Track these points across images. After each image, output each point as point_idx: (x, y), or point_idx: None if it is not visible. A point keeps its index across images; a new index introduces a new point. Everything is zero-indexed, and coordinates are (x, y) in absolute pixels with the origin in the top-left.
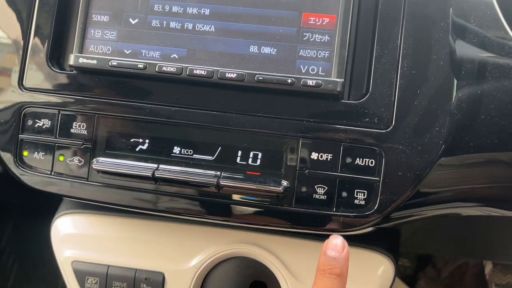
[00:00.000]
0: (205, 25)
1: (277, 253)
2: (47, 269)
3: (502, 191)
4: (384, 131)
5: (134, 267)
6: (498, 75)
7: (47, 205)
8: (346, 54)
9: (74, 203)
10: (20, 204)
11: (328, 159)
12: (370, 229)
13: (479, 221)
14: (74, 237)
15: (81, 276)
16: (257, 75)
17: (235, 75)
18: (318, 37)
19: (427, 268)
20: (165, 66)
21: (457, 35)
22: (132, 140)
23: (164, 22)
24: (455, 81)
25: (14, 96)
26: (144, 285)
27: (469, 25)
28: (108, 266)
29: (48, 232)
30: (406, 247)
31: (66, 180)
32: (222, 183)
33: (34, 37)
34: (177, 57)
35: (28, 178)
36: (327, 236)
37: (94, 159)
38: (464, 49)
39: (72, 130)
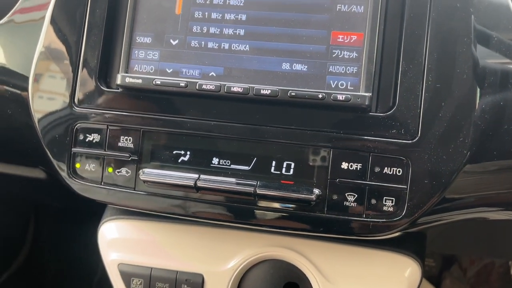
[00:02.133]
0: (240, 45)
1: (309, 256)
2: (81, 268)
3: None
4: (410, 141)
5: (175, 269)
6: None
7: (85, 209)
8: (374, 69)
9: (118, 210)
10: (59, 207)
11: (358, 169)
12: (397, 233)
13: (505, 222)
14: (119, 241)
15: (126, 277)
16: (289, 91)
17: (269, 91)
18: (346, 53)
19: (453, 267)
20: (204, 84)
21: (480, 43)
22: (174, 152)
23: (202, 42)
24: (478, 93)
25: (67, 113)
26: (185, 286)
27: (491, 33)
28: (151, 268)
29: (83, 234)
30: (433, 248)
31: (114, 189)
32: (258, 192)
33: (84, 59)
34: (215, 75)
35: (80, 188)
36: (358, 241)
37: (141, 170)
38: (487, 59)
39: (119, 144)
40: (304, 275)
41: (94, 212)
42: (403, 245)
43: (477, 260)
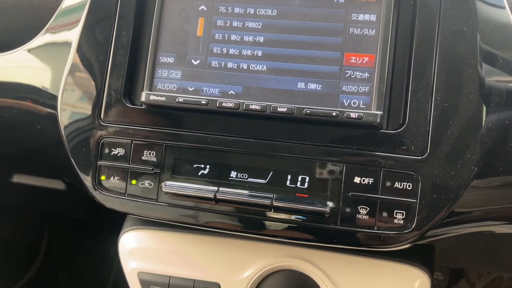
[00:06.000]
0: (258, 65)
1: (322, 266)
2: (93, 278)
3: None
4: (420, 157)
5: (193, 277)
6: None
7: (98, 221)
8: (385, 89)
9: (138, 220)
10: (74, 217)
11: (370, 183)
12: (407, 245)
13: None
14: (139, 251)
15: (146, 285)
16: (305, 109)
17: (285, 109)
18: (358, 74)
19: (461, 281)
20: (224, 102)
21: (486, 64)
22: (195, 165)
23: (222, 62)
24: (484, 112)
25: (93, 128)
26: None
27: (497, 55)
28: (170, 277)
29: (96, 245)
30: (441, 261)
31: (138, 201)
32: (275, 204)
33: (110, 78)
34: (234, 93)
35: (105, 199)
36: (369, 252)
37: (163, 183)
38: (493, 79)
39: (143, 158)
40: (317, 285)
41: (107, 224)
42: (413, 257)
43: (485, 274)
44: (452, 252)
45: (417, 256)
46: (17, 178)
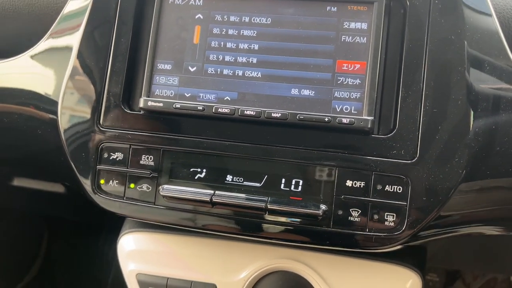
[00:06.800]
0: (253, 72)
1: (315, 267)
2: (92, 281)
3: None
4: (410, 161)
5: (190, 279)
6: (510, 110)
7: (96, 223)
8: (375, 95)
9: (136, 223)
10: (72, 220)
11: (361, 186)
12: (399, 246)
13: (505, 238)
14: (137, 253)
15: (144, 286)
16: (298, 115)
17: (279, 114)
18: (350, 80)
19: (456, 282)
20: (220, 107)
21: (473, 71)
22: (192, 169)
23: (218, 69)
24: (472, 118)
25: (93, 133)
26: None
27: (484, 62)
28: (168, 278)
29: (94, 248)
30: (435, 263)
31: (136, 204)
32: (269, 207)
33: (109, 84)
34: (229, 99)
35: (104, 202)
36: (362, 253)
37: (160, 186)
38: (480, 85)
39: (141, 162)
40: (311, 286)
41: (106, 227)
42: (404, 257)
43: (480, 275)
44: (446, 253)
45: (409, 257)
46: (17, 182)
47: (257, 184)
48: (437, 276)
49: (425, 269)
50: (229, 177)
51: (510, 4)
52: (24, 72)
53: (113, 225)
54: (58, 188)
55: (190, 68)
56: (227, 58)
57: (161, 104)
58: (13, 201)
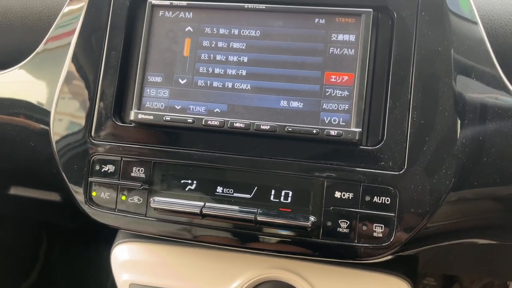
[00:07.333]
0: (243, 84)
1: (306, 277)
2: (91, 287)
3: (503, 221)
4: (397, 173)
5: None
6: (497, 121)
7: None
8: (363, 106)
9: (129, 233)
10: (70, 227)
11: (350, 198)
12: (389, 257)
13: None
14: (131, 263)
15: None
16: (287, 127)
17: (268, 127)
18: (338, 92)
19: (453, 287)
20: (210, 120)
21: (460, 82)
22: (182, 181)
23: (208, 81)
24: (459, 129)
25: (84, 145)
26: None
27: (471, 73)
28: None
29: (93, 254)
30: (430, 268)
31: (127, 216)
32: (259, 219)
33: (100, 96)
34: (219, 111)
35: (95, 213)
36: (352, 263)
37: (151, 198)
38: (467, 97)
39: (132, 174)
40: None
41: (103, 233)
42: (395, 267)
43: (478, 279)
44: (441, 259)
45: (400, 266)
46: (13, 190)
47: (247, 196)
48: (434, 280)
49: (417, 278)
50: (219, 189)
51: (496, 12)
52: (17, 84)
53: (110, 232)
54: (54, 196)
55: (180, 80)
56: (216, 71)
57: (151, 117)
58: (9, 209)
